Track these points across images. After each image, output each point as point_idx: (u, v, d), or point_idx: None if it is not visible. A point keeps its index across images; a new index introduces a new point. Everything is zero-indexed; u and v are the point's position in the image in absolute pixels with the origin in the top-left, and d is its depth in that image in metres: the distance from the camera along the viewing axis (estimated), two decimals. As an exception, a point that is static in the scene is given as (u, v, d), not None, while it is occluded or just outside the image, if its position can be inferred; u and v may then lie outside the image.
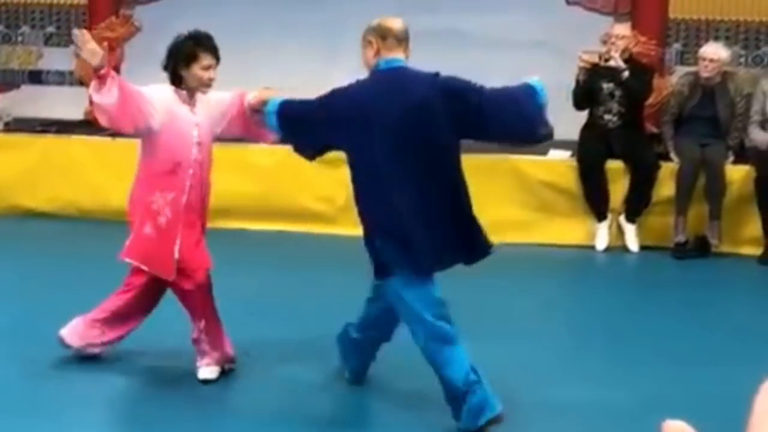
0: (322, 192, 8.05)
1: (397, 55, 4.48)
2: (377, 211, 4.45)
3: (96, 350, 5.10)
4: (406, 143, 4.34)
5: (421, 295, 4.38)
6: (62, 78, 9.51)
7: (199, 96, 4.89)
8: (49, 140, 8.53)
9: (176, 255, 4.76)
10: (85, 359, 5.08)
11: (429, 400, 4.64)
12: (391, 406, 4.76)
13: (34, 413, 4.58)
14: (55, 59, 9.50)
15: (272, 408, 4.71)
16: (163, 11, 9.21)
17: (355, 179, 4.51)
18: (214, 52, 4.83)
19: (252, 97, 4.87)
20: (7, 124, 8.89)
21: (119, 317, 5.05)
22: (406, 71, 4.48)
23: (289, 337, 5.46)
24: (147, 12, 9.28)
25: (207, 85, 4.85)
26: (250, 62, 9.00)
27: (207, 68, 4.81)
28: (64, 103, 9.29)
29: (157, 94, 4.79)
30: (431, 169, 4.41)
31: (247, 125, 4.97)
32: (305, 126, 4.61)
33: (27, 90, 9.53)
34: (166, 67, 4.87)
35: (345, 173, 7.90)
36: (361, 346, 4.85)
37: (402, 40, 4.50)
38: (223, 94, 4.97)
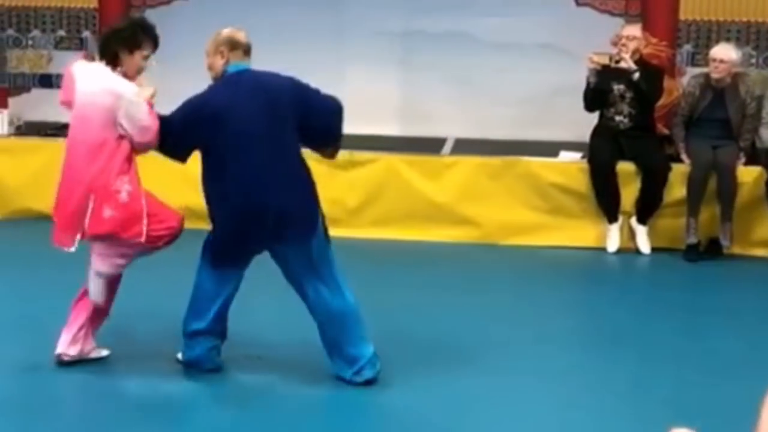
0: (332, 194, 8.01)
1: (244, 62, 4.98)
2: (219, 204, 4.86)
3: (91, 346, 5.09)
4: (266, 136, 4.80)
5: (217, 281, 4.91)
6: (73, 81, 9.50)
7: None
8: (60, 144, 8.45)
9: (145, 219, 4.81)
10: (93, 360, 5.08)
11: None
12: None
13: (43, 416, 4.59)
14: (66, 63, 9.45)
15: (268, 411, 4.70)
16: (173, 14, 9.23)
17: (207, 171, 4.88)
18: (156, 43, 4.93)
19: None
20: (18, 127, 8.90)
21: (97, 312, 5.07)
22: (257, 73, 4.98)
23: (296, 341, 5.44)
24: (156, 15, 9.27)
25: (140, 74, 4.94)
26: (259, 65, 9.00)
27: (146, 58, 4.91)
28: (74, 107, 9.30)
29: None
30: (282, 160, 4.85)
31: None
32: (170, 135, 4.89)
33: (37, 93, 9.54)
34: (104, 48, 4.91)
35: (356, 175, 8.04)
36: None
37: (248, 50, 5.03)
38: None
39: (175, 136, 4.87)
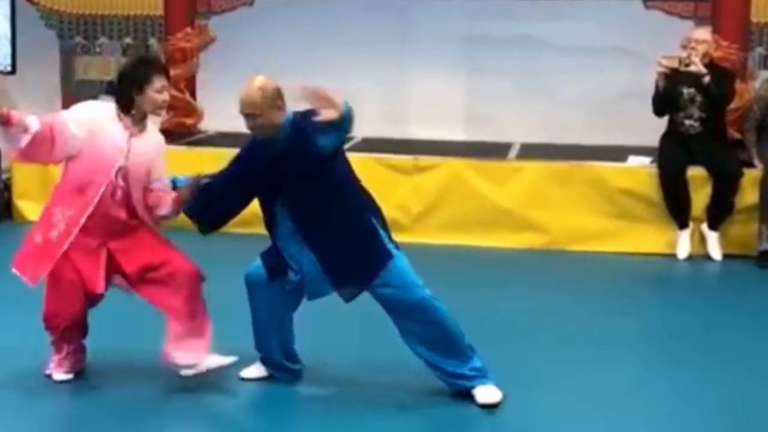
0: (396, 200, 7.99)
1: None
2: None
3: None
4: None
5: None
6: (139, 88, 9.59)
7: (150, 125, 4.88)
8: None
9: (46, 271, 4.73)
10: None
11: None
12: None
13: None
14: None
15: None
16: (238, 21, 9.28)
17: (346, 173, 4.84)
18: (166, 73, 4.79)
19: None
20: (85, 133, 8.99)
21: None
22: None
23: (361, 347, 5.40)
24: (222, 22, 9.35)
25: (161, 107, 4.82)
26: (323, 68, 9.01)
27: (161, 90, 4.74)
28: (141, 113, 9.38)
29: (82, 116, 4.76)
30: None
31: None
32: None
33: (105, 100, 9.63)
34: (116, 92, 4.82)
35: (420, 181, 8.01)
36: None
37: None
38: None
39: None
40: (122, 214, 4.81)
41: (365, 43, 9.08)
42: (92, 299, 4.88)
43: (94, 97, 9.63)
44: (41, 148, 4.67)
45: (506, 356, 5.27)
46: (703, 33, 7.93)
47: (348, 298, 4.77)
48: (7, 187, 8.76)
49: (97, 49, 9.67)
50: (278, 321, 4.89)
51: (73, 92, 9.58)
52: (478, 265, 7.45)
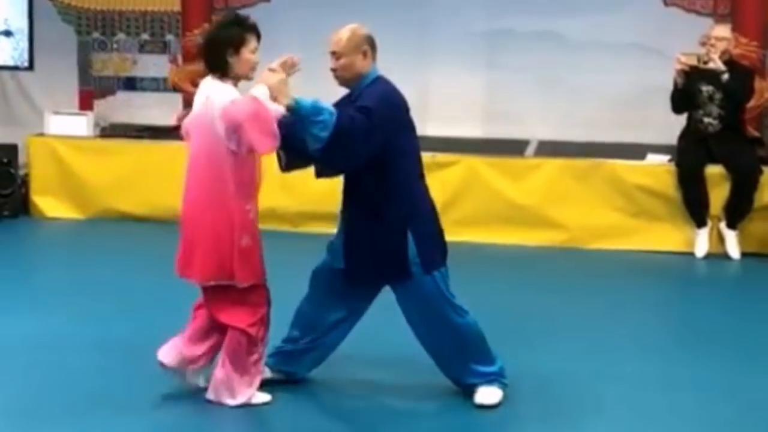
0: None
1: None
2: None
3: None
4: None
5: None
6: (156, 84, 9.60)
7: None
8: (144, 145, 8.66)
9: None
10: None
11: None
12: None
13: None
14: (150, 66, 9.59)
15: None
16: (256, 17, 9.20)
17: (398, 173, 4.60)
18: (258, 33, 4.66)
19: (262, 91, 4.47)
20: (103, 129, 9.03)
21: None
22: None
23: (381, 346, 5.39)
24: (240, 17, 9.33)
25: (254, 69, 4.63)
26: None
27: (254, 51, 4.62)
28: (158, 109, 9.40)
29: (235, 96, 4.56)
30: None
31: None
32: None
33: (122, 96, 9.65)
34: (208, 56, 4.56)
35: (437, 177, 7.97)
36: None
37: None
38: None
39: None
40: None
41: (384, 39, 8.99)
42: None
43: (112, 93, 9.73)
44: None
45: (523, 353, 5.26)
46: (723, 30, 7.90)
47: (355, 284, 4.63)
48: (25, 183, 8.81)
49: (115, 45, 9.67)
50: (324, 312, 4.71)
51: (90, 88, 9.60)
52: (495, 262, 7.43)
